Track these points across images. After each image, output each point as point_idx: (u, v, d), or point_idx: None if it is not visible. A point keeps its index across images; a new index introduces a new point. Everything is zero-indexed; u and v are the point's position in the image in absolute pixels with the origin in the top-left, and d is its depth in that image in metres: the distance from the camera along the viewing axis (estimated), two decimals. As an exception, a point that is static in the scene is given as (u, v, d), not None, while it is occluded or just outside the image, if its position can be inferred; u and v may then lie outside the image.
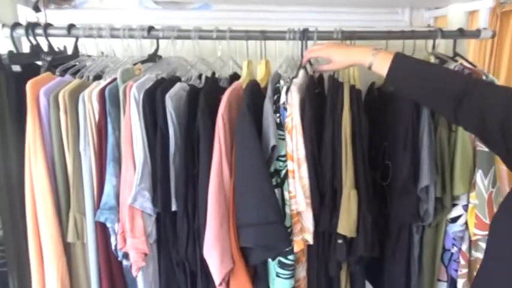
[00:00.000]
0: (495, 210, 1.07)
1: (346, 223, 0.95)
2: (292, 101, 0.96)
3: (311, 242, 0.98)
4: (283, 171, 0.96)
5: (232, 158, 0.95)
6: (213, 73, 1.12)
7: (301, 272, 1.04)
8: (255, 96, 0.97)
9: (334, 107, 0.99)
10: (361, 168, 0.98)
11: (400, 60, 0.86)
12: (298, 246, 0.97)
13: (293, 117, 0.95)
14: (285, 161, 0.96)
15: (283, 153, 0.96)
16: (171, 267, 1.03)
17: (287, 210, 0.96)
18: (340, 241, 0.98)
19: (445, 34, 1.12)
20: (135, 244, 0.96)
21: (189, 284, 1.01)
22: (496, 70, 1.83)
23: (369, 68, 0.92)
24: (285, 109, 0.97)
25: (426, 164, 1.00)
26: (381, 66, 0.88)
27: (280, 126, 0.96)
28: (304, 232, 0.98)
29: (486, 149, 1.00)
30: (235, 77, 1.14)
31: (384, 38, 1.11)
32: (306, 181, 0.96)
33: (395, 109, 1.06)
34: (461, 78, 0.81)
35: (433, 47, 1.16)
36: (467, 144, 1.04)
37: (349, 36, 1.09)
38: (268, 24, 1.14)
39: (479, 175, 1.01)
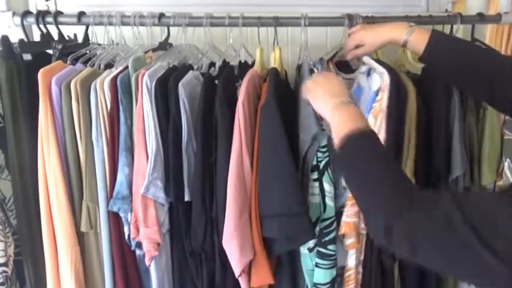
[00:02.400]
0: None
1: None
2: (384, 84, 0.95)
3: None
4: (323, 162, 0.99)
5: (255, 147, 0.98)
6: (224, 61, 1.16)
7: (352, 260, 1.03)
8: (278, 85, 1.00)
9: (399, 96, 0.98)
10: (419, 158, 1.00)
11: (438, 38, 0.86)
12: (348, 227, 0.98)
13: (382, 103, 0.94)
14: (324, 152, 0.98)
15: (323, 143, 0.98)
16: (183, 257, 1.08)
17: (328, 202, 0.99)
18: None
19: (464, 19, 1.14)
20: (148, 234, 1.01)
21: (203, 274, 1.06)
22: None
23: (403, 45, 0.90)
24: (377, 94, 0.96)
25: (458, 153, 1.01)
26: (418, 43, 0.86)
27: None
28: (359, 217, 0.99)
29: None
30: (245, 65, 1.18)
31: None
32: None
33: (424, 95, 1.06)
34: (501, 57, 0.81)
35: (451, 32, 1.18)
36: (495, 132, 1.06)
37: (367, 22, 1.11)
38: (280, 11, 1.17)
39: (507, 164, 1.04)
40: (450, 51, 0.85)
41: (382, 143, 0.88)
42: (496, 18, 1.20)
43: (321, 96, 0.85)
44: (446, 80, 0.99)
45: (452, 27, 1.17)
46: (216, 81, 1.04)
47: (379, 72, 0.98)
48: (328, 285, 1.01)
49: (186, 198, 1.03)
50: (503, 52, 1.85)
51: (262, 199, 0.97)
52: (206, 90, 1.01)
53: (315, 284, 1.01)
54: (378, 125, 0.94)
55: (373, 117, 0.95)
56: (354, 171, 0.71)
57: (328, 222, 1.00)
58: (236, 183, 0.96)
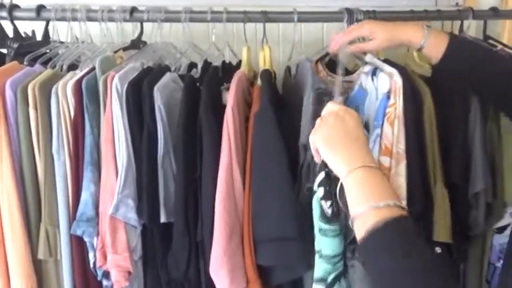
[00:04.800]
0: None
1: (443, 227, 0.94)
2: (396, 86, 0.91)
3: None
4: None
5: (247, 161, 0.95)
6: (205, 61, 1.13)
7: None
8: (273, 89, 0.99)
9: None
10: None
11: (458, 43, 0.84)
12: None
13: (396, 107, 0.90)
14: None
15: None
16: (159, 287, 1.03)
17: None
18: (439, 250, 0.96)
19: (476, 14, 1.12)
20: (117, 261, 0.97)
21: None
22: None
23: (420, 49, 0.88)
24: (388, 98, 0.92)
25: (480, 165, 0.99)
26: (436, 48, 0.84)
27: None
28: None
29: None
30: (229, 66, 1.15)
31: (407, 18, 1.11)
32: (403, 180, 0.90)
33: (437, 99, 1.03)
34: None
35: (461, 29, 1.16)
36: None
37: (369, 18, 1.08)
38: (269, 5, 1.15)
39: None
40: (472, 57, 0.84)
41: (404, 154, 0.88)
42: (511, 14, 1.18)
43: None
44: (465, 88, 0.97)
45: (462, 23, 1.15)
46: (199, 85, 1.01)
47: (387, 73, 0.93)
48: None
49: (162, 219, 0.99)
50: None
51: (256, 221, 0.94)
52: (188, 95, 0.98)
53: None
54: (396, 133, 0.90)
55: (389, 124, 0.90)
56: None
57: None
58: (225, 202, 0.93)
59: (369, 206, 0.63)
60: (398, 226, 0.61)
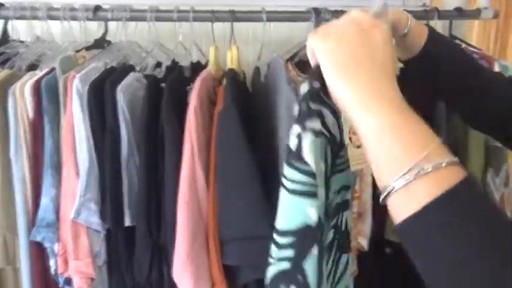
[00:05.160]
0: (508, 213, 1.10)
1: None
2: None
3: (366, 247, 0.97)
4: None
5: (211, 160, 0.94)
6: (173, 61, 1.11)
7: None
8: (237, 88, 0.96)
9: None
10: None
11: (435, 32, 0.76)
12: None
13: None
14: None
15: None
16: (124, 294, 1.01)
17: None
18: (388, 250, 0.97)
19: (442, 14, 1.14)
20: (80, 267, 0.95)
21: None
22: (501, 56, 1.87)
23: (405, 34, 0.71)
24: None
25: None
26: (419, 34, 0.71)
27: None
28: (360, 236, 0.96)
29: (498, 144, 1.01)
30: (197, 66, 1.14)
31: None
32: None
33: (409, 95, 1.04)
34: (492, 74, 0.80)
35: None
36: (480, 138, 1.05)
37: (337, 17, 1.08)
38: (238, 4, 1.13)
39: (489, 174, 1.03)
40: (448, 50, 0.77)
41: None
42: (475, 13, 1.20)
43: (344, 74, 0.50)
44: (430, 86, 0.96)
45: (428, 24, 1.15)
46: (163, 85, 0.99)
47: None
48: None
49: (127, 223, 0.97)
50: (491, 52, 1.87)
51: (221, 220, 0.92)
52: (150, 95, 0.96)
53: None
54: None
55: None
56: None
57: None
58: (188, 202, 0.91)
59: (416, 168, 0.43)
60: (466, 192, 0.44)
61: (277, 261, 0.56)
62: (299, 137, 0.50)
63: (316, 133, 0.51)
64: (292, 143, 0.51)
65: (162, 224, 0.95)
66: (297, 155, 0.50)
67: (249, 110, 1.03)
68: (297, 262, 0.53)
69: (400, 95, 0.50)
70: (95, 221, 0.95)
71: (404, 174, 0.43)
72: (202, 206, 0.93)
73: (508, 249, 0.41)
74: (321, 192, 0.53)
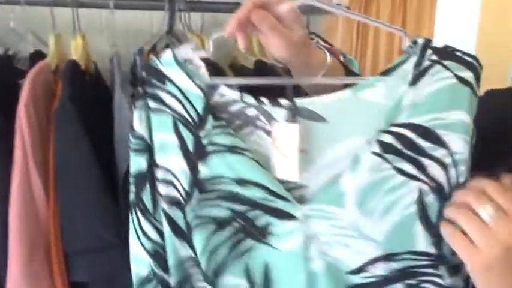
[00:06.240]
0: None
1: None
2: None
3: None
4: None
5: (50, 163, 0.86)
6: (6, 50, 1.00)
7: None
8: (77, 82, 0.90)
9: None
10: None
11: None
12: None
13: None
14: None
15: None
16: None
17: None
18: None
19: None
20: None
21: None
22: (362, 52, 2.04)
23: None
24: None
25: None
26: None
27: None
28: None
29: None
30: (38, 56, 1.02)
31: (220, 10, 1.08)
32: None
33: None
34: None
35: None
36: None
37: (191, 8, 1.05)
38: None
39: None
40: None
41: None
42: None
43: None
44: None
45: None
46: None
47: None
48: None
49: None
50: (353, 50, 2.00)
51: (65, 231, 0.86)
52: None
53: None
54: None
55: None
56: None
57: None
58: (22, 212, 0.83)
59: None
60: None
61: None
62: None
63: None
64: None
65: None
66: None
67: (95, 105, 0.95)
68: None
69: None
70: None
71: None
72: (41, 216, 0.86)
73: None
74: None
